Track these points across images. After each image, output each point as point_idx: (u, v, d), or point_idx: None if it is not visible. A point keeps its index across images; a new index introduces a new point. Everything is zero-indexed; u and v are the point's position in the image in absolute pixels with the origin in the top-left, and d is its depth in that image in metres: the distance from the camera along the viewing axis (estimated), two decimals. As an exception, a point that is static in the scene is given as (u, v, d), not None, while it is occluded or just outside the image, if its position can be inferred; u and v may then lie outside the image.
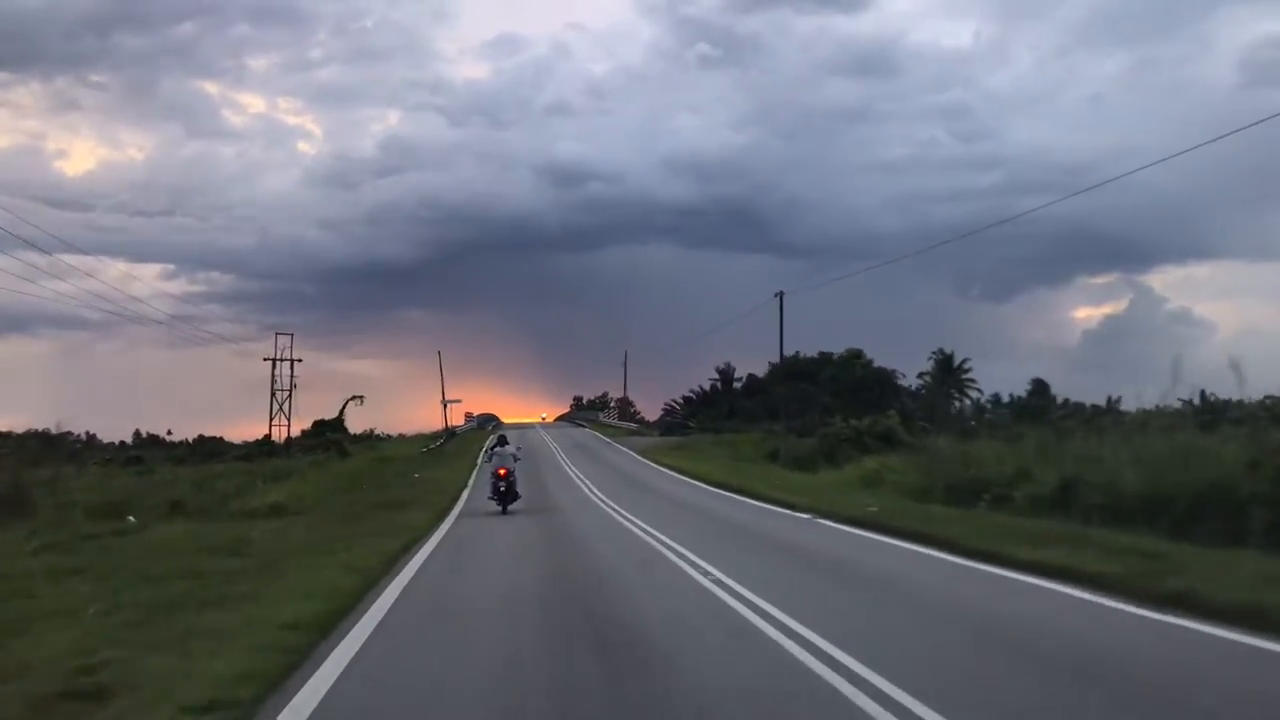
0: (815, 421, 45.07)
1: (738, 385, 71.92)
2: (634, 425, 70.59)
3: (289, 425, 71.11)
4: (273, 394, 73.06)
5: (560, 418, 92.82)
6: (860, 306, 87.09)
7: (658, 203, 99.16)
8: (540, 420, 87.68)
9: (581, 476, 31.21)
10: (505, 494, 19.63)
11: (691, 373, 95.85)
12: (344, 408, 57.89)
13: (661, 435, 59.76)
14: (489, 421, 74.93)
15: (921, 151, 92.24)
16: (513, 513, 19.45)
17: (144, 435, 67.57)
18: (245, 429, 54.04)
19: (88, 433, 56.33)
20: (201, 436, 67.66)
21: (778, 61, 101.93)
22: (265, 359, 72.62)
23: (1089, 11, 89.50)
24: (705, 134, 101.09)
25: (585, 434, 64.01)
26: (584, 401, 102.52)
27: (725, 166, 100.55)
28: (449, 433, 60.76)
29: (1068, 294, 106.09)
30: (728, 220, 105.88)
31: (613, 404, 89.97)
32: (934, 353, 63.23)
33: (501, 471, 19.78)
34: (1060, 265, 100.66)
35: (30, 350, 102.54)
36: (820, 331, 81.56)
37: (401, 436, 70.10)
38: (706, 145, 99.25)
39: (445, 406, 72.92)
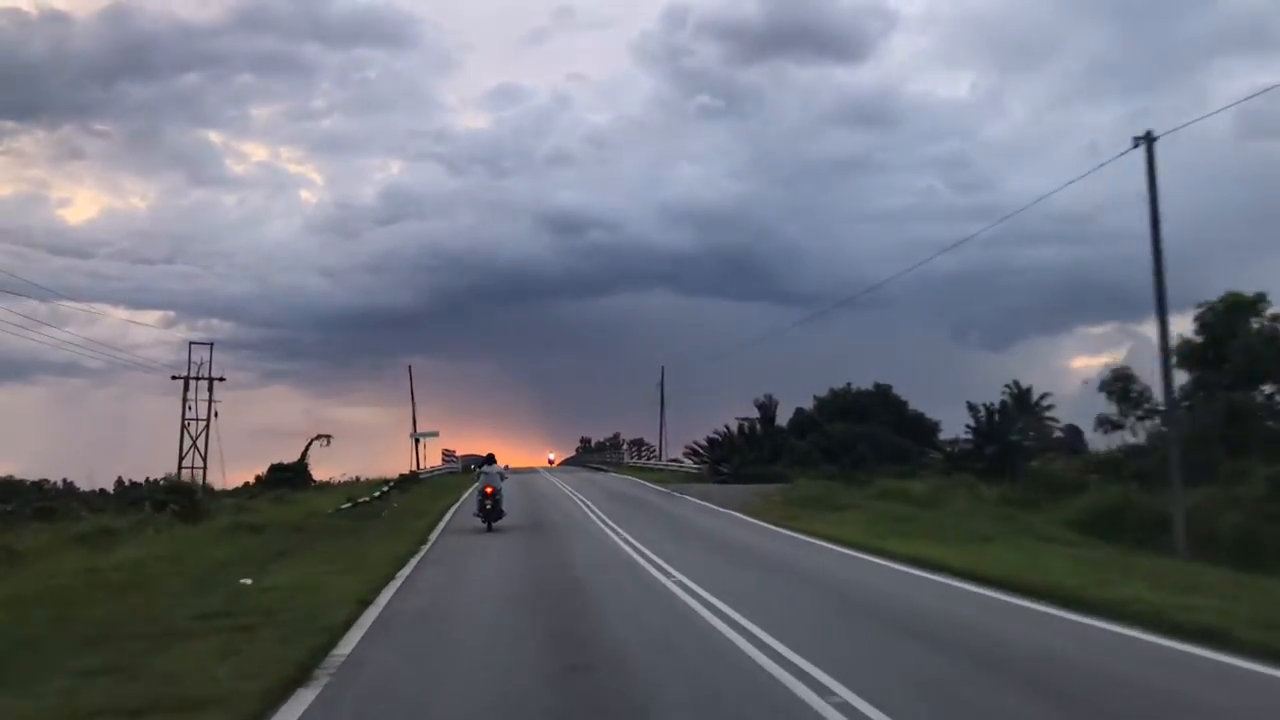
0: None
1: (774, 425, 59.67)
2: (685, 466, 51.10)
3: (205, 466, 54.04)
4: (183, 426, 55.21)
5: (567, 461, 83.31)
6: (859, 352, 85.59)
7: (657, 251, 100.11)
8: (547, 463, 76.83)
9: (723, 603, 11.12)
10: (491, 512, 20.22)
11: (703, 416, 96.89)
12: (307, 449, 43.65)
13: (719, 481, 40.99)
14: (480, 463, 52.76)
15: (920, 201, 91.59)
16: (498, 529, 19.86)
17: (126, 483, 57.68)
18: (231, 476, 50.64)
19: (64, 480, 50.60)
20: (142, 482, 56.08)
21: (777, 112, 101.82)
22: (175, 377, 55.20)
23: (1085, 63, 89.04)
24: (705, 183, 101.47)
25: (614, 480, 45.71)
26: (592, 443, 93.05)
27: (725, 215, 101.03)
28: (403, 481, 39.54)
29: (1066, 343, 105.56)
30: (727, 268, 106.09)
31: (625, 445, 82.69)
32: (1007, 386, 49.64)
33: (488, 490, 20.37)
34: (1058, 315, 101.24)
35: (28, 398, 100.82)
36: (817, 376, 79.20)
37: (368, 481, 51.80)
38: (706, 194, 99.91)
39: (416, 442, 54.29)
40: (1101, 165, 21.07)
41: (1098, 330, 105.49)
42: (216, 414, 53.18)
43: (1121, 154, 20.12)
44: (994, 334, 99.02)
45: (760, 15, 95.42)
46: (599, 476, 49.38)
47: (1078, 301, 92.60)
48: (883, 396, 58.04)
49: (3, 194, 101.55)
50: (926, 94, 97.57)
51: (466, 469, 52.34)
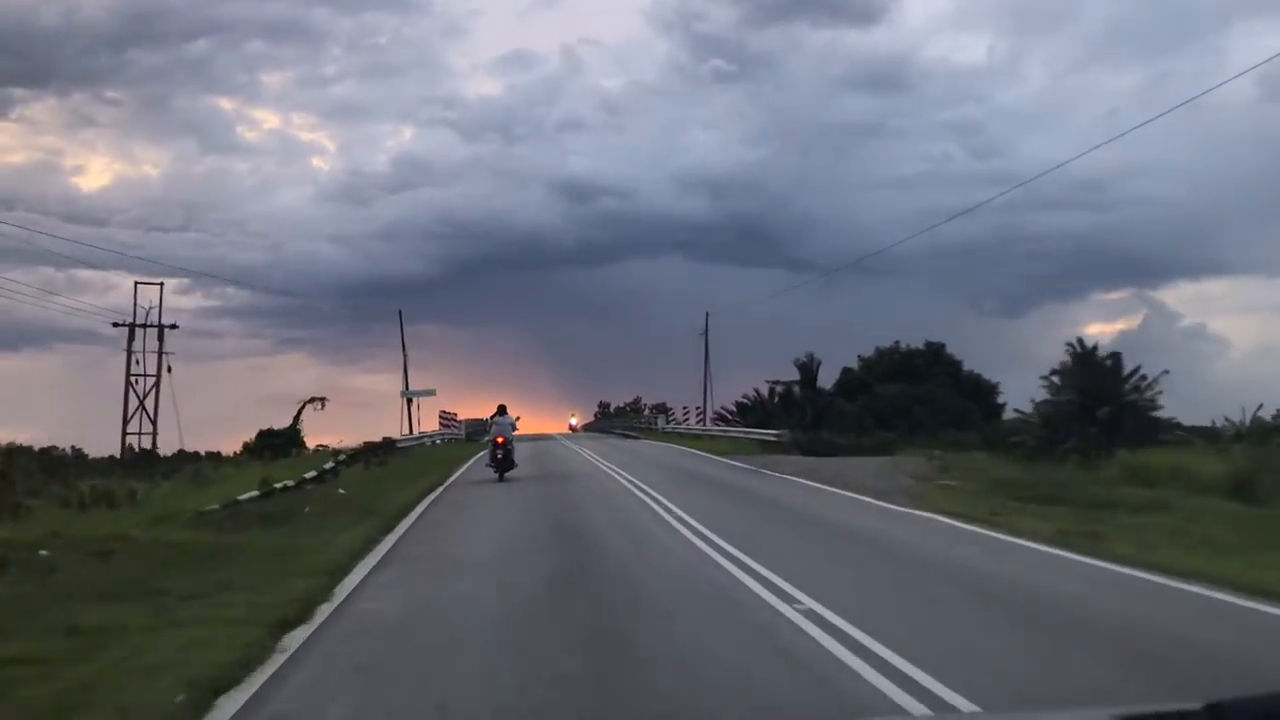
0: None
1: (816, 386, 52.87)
2: (730, 431, 40.62)
3: (155, 430, 45.13)
4: (128, 383, 45.20)
5: (588, 426, 76.02)
6: (871, 316, 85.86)
7: (671, 218, 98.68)
8: (569, 429, 68.24)
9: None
10: (503, 461, 19.83)
11: (725, 382, 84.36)
12: (300, 412, 38.02)
13: (803, 453, 30.11)
14: (484, 427, 38.55)
15: (934, 167, 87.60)
16: (509, 480, 19.44)
17: (135, 450, 52.30)
18: (232, 443, 44.28)
19: (73, 447, 46.21)
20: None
21: (791, 77, 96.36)
22: (116, 324, 45.60)
23: (1103, 26, 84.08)
24: (718, 149, 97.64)
25: (659, 450, 34.41)
26: (611, 408, 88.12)
27: (738, 182, 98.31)
28: (370, 451, 27.41)
29: (1081, 310, 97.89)
30: (740, 235, 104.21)
31: (647, 409, 78.22)
32: (1070, 345, 40.56)
33: (500, 440, 20.02)
34: (1073, 281, 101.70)
35: (44, 365, 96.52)
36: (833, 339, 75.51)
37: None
38: (719, 160, 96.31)
39: (408, 402, 44.13)
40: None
41: (1113, 296, 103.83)
42: (170, 368, 43.74)
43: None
44: (1009, 300, 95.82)
45: None
46: (637, 445, 39.26)
47: (1093, 267, 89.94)
48: (934, 356, 52.02)
49: (17, 161, 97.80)
50: (942, 58, 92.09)
51: (472, 435, 41.92)
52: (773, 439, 33.36)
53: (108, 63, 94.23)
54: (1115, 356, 28.76)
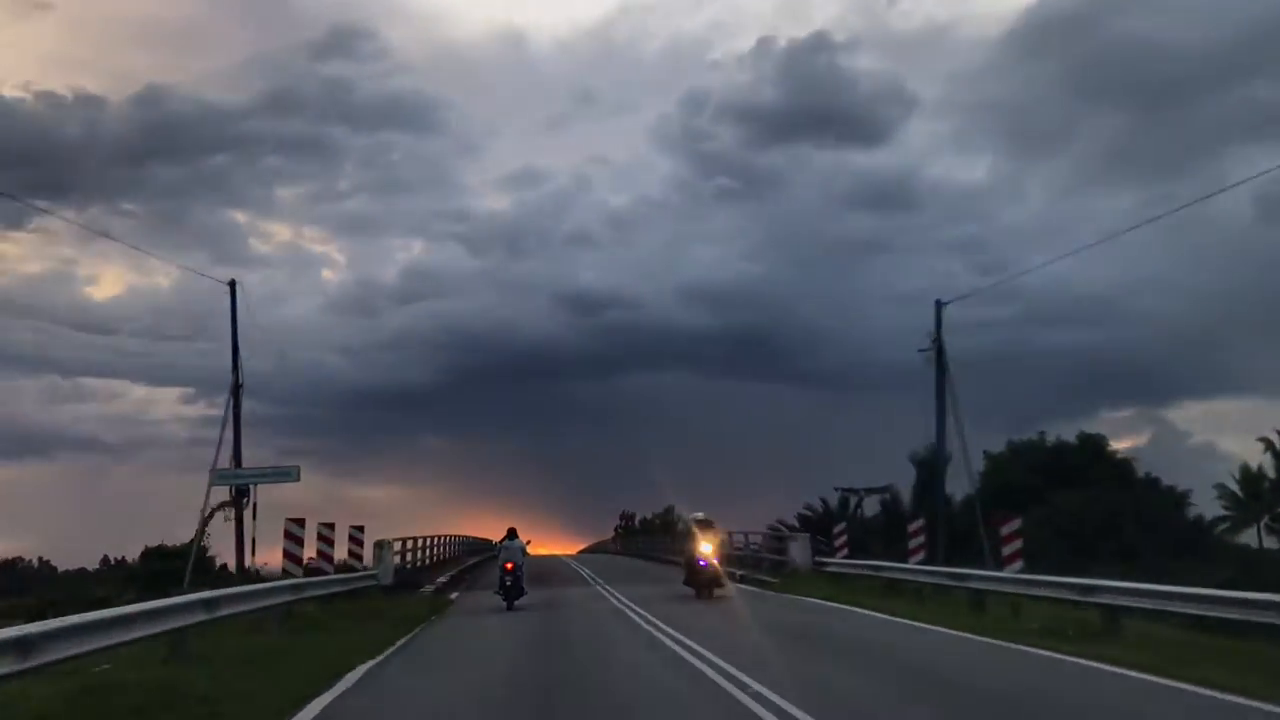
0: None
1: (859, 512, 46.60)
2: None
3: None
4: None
5: (591, 549, 62.37)
6: (880, 434, 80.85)
7: (675, 330, 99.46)
8: (696, 561, 29.66)
9: None
10: (511, 588, 19.20)
11: (743, 507, 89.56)
12: (207, 520, 24.44)
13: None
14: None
15: (939, 283, 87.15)
16: (518, 608, 18.53)
17: (111, 560, 59.28)
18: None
19: (40, 558, 53.99)
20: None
21: (795, 194, 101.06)
22: None
23: (1102, 149, 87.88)
24: (722, 264, 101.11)
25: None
26: (636, 521, 73.08)
27: (742, 295, 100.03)
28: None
29: (1088, 427, 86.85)
30: (744, 348, 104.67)
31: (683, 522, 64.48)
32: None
33: (508, 566, 19.43)
34: (1080, 399, 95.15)
35: (44, 475, 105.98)
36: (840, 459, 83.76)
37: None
38: (723, 275, 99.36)
39: (230, 501, 25.02)
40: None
41: (1119, 414, 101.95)
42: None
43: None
44: (1016, 417, 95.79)
45: (779, 100, 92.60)
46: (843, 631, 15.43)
47: (1100, 385, 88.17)
48: (1094, 452, 41.07)
49: (31, 271, 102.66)
50: (944, 178, 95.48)
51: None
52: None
53: (126, 175, 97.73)
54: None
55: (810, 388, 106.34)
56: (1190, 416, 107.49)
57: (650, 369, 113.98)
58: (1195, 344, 78.98)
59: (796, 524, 38.67)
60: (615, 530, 70.60)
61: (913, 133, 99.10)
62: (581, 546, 72.58)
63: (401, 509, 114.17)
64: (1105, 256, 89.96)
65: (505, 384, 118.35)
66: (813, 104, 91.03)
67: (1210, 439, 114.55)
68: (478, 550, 42.09)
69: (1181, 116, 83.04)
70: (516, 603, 19.08)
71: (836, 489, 35.14)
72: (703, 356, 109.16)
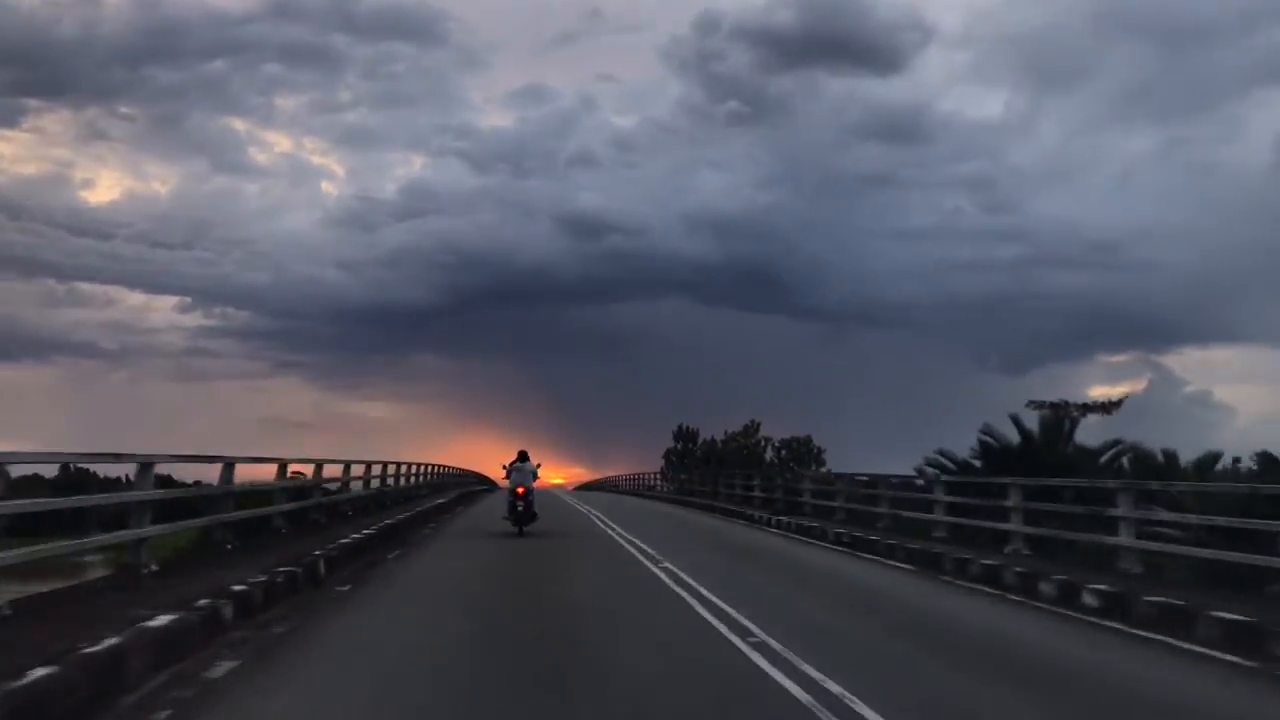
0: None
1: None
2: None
3: None
4: None
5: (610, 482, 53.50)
6: (877, 369, 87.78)
7: (677, 258, 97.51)
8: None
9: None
10: (523, 514, 18.62)
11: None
12: None
13: None
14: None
15: (945, 220, 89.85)
16: (529, 534, 18.07)
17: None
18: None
19: None
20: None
21: (807, 122, 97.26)
22: None
23: (1120, 88, 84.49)
24: (729, 192, 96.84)
25: None
26: (698, 445, 52.78)
27: (747, 226, 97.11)
28: None
29: (1086, 371, 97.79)
30: (747, 279, 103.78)
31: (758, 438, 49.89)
32: None
33: (520, 490, 18.81)
34: (1079, 342, 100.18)
35: (41, 378, 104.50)
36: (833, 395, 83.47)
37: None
38: (729, 203, 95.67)
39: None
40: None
41: (1117, 359, 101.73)
42: None
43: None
44: (1014, 359, 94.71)
45: (795, 23, 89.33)
46: None
47: (1100, 329, 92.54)
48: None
49: (27, 172, 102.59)
50: (958, 112, 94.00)
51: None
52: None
53: (123, 78, 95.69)
54: None
55: (810, 321, 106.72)
56: (1188, 364, 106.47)
57: (651, 296, 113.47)
58: (1199, 292, 77.98)
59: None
60: (667, 456, 54.60)
61: (929, 64, 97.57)
62: (576, 476, 67.81)
63: (395, 427, 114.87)
64: (1115, 201, 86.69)
65: (503, 306, 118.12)
66: (829, 29, 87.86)
67: (1206, 387, 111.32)
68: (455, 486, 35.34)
69: (1205, 57, 79.50)
70: (527, 528, 18.57)
71: (1038, 404, 22.30)
72: (703, 285, 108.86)
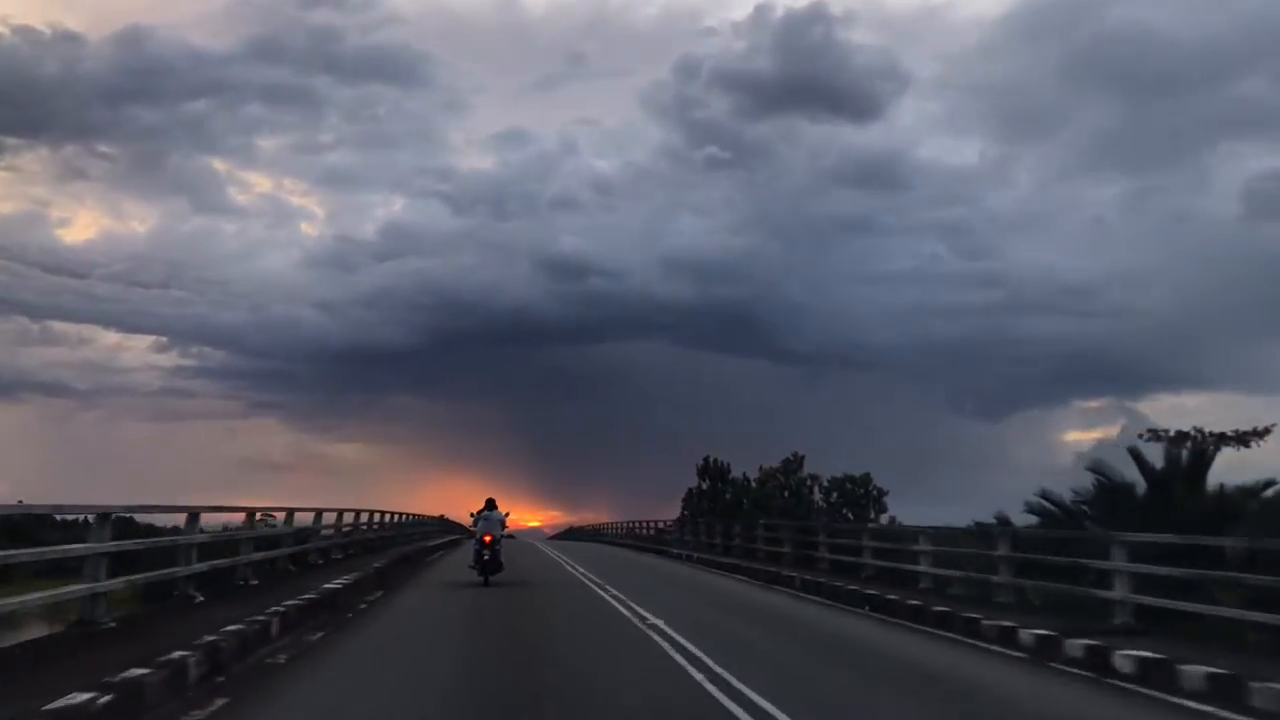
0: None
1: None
2: None
3: None
4: None
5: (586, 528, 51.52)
6: (856, 413, 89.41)
7: (656, 301, 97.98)
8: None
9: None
10: (489, 563, 18.30)
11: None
12: None
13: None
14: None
15: (923, 266, 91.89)
16: (495, 584, 17.49)
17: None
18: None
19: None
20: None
21: (785, 167, 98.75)
22: None
23: (1092, 138, 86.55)
24: (707, 235, 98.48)
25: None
26: (726, 484, 43.53)
27: (726, 269, 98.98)
28: None
29: (1061, 415, 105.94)
30: (726, 322, 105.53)
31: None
32: None
33: (487, 538, 18.50)
34: (1054, 387, 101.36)
35: (12, 416, 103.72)
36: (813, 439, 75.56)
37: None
38: (708, 247, 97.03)
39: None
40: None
41: (1092, 404, 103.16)
42: None
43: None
44: (991, 403, 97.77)
45: (773, 69, 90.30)
46: None
47: (1075, 374, 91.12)
48: None
49: (3, 210, 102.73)
50: (934, 159, 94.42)
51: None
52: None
53: (104, 117, 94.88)
54: None
55: (789, 364, 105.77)
56: (1161, 409, 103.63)
57: (630, 338, 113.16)
58: (1173, 339, 79.24)
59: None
60: (689, 495, 44.19)
61: (905, 111, 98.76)
62: (552, 520, 66.88)
63: (370, 468, 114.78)
64: (1090, 247, 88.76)
65: (482, 347, 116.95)
66: (807, 76, 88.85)
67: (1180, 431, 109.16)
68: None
69: (1174, 108, 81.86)
70: (493, 578, 18.31)
71: (1156, 432, 18.16)
72: (682, 328, 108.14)
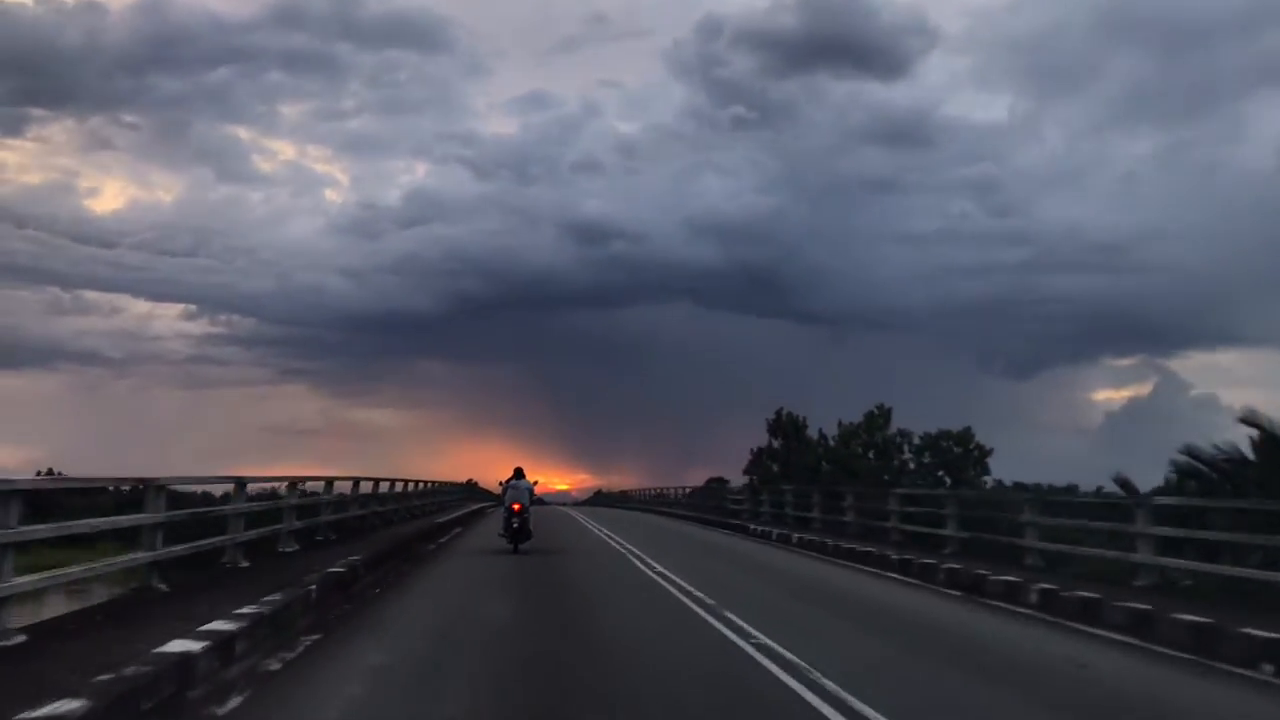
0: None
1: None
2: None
3: None
4: None
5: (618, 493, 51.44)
6: (885, 374, 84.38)
7: (681, 264, 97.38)
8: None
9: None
10: (519, 531, 18.73)
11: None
12: None
13: None
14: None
15: (949, 225, 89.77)
16: (524, 552, 18.06)
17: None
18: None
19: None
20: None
21: (810, 127, 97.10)
22: None
23: (1124, 91, 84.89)
24: (732, 197, 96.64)
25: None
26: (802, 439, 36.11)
27: (751, 230, 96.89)
28: None
29: (1091, 374, 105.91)
30: (750, 284, 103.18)
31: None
32: None
33: (515, 506, 18.89)
34: (1084, 345, 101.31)
35: (47, 385, 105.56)
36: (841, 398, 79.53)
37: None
38: (733, 208, 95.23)
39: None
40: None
41: (1123, 362, 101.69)
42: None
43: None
44: (1020, 362, 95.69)
45: (798, 27, 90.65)
46: None
47: (1105, 332, 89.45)
48: None
49: (32, 181, 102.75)
50: (962, 116, 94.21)
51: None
52: None
53: (128, 87, 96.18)
54: None
55: (814, 325, 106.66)
56: (1194, 367, 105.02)
57: (654, 301, 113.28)
58: (1206, 294, 77.81)
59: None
60: (757, 459, 38.31)
61: (933, 67, 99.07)
62: (581, 481, 67.52)
63: (399, 433, 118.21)
64: (1120, 203, 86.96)
65: (508, 312, 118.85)
66: (832, 33, 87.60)
67: (1212, 391, 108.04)
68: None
69: (1207, 59, 79.90)
70: (521, 546, 18.59)
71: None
72: (706, 290, 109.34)
